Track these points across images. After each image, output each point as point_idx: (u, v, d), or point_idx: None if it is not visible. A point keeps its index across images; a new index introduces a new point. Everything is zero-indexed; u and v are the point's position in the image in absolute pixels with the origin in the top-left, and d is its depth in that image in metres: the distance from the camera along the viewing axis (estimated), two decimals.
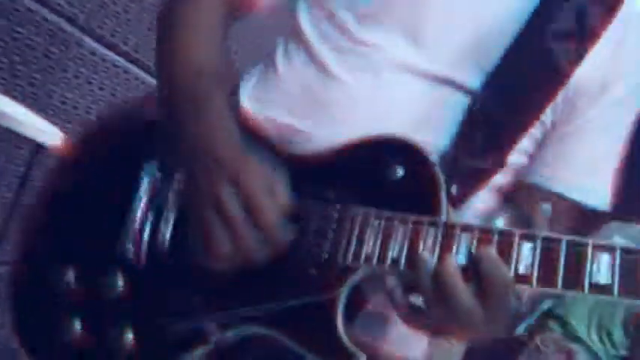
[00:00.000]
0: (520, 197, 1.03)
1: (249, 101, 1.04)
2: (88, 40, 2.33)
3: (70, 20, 2.25)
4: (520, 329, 3.48)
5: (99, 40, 2.37)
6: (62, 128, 2.16)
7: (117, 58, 2.45)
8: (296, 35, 1.06)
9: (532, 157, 1.05)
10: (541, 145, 1.04)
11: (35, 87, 2.19)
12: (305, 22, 1.05)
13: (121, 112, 1.08)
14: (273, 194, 0.82)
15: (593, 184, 1.02)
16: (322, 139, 0.95)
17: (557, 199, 1.01)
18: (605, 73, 0.98)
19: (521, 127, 0.98)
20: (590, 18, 0.96)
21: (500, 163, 0.97)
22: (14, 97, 2.11)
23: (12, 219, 2.11)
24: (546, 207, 0.86)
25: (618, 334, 3.27)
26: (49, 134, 2.05)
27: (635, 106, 1.03)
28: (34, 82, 2.19)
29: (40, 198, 1.05)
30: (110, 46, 2.41)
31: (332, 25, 1.02)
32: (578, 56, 0.95)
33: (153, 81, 2.50)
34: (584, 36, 0.96)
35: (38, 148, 2.14)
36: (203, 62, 0.92)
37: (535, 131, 1.01)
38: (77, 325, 0.90)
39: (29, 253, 1.01)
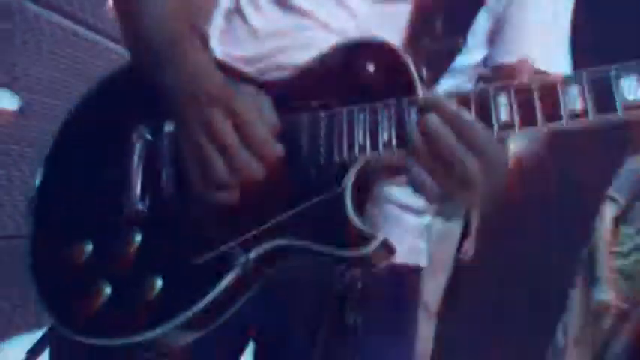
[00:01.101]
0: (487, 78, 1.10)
1: (219, 44, 1.09)
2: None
3: None
4: None
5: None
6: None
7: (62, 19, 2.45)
8: None
9: (490, 42, 1.11)
10: (493, 29, 1.11)
11: None
12: None
13: (102, 85, 1.10)
14: (262, 114, 0.87)
15: (551, 51, 1.09)
16: (291, 60, 1.00)
17: (521, 66, 1.07)
18: None
19: (471, 7, 1.05)
20: None
21: (461, 40, 1.03)
22: None
23: None
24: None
25: None
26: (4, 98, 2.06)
27: None
28: None
29: (46, 178, 1.07)
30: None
31: None
32: None
33: (101, 39, 2.54)
34: None
35: None
36: (175, 8, 0.97)
37: (484, 19, 1.08)
38: (108, 291, 0.93)
39: (42, 233, 1.03)
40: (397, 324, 1.13)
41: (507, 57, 1.10)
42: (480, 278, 4.78)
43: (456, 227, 4.65)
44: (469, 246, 4.67)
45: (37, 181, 1.07)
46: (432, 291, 4.51)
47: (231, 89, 0.90)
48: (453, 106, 0.81)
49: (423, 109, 0.83)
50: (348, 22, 1.05)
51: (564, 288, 3.96)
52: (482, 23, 1.09)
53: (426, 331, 4.55)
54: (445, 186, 0.84)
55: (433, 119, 0.80)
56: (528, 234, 4.36)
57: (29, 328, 2.26)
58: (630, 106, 0.75)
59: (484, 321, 4.76)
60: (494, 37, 1.12)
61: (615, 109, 0.75)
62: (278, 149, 0.88)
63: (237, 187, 0.88)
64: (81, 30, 2.52)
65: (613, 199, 3.64)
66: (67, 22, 2.44)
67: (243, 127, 0.86)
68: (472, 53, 1.09)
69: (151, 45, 0.96)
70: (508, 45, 1.10)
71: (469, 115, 0.80)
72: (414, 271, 1.16)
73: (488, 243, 4.65)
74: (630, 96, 0.75)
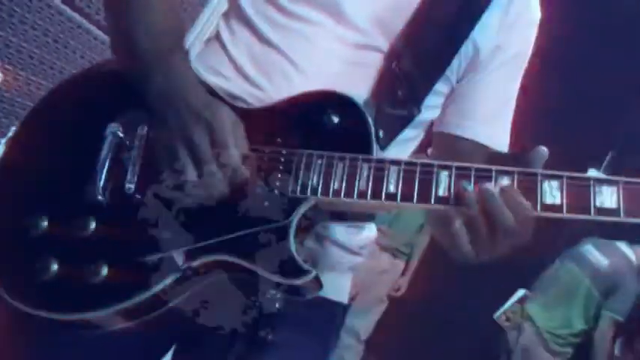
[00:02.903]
0: (436, 142, 1.22)
1: (194, 67, 1.17)
2: None
3: None
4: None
5: None
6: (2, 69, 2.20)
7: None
8: (237, 13, 1.19)
9: (443, 110, 1.23)
10: (448, 99, 1.23)
11: None
12: (245, 2, 1.18)
13: (86, 74, 1.17)
14: (237, 138, 0.96)
15: (493, 130, 1.22)
16: (266, 98, 1.09)
17: (465, 141, 1.20)
18: (496, 37, 1.18)
19: (430, 80, 1.16)
20: None
21: (416, 111, 1.14)
22: None
23: None
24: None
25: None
26: None
27: (523, 64, 1.24)
28: None
29: (11, 152, 1.12)
30: None
31: (269, 3, 1.15)
32: (472, 21, 1.14)
33: (85, 23, 2.58)
34: (474, 3, 1.15)
35: None
36: (166, 26, 1.05)
37: (442, 87, 1.20)
38: (55, 266, 0.99)
39: (3, 202, 1.08)
40: (310, 348, 1.20)
41: (457, 130, 1.23)
42: (415, 315, 4.95)
43: (400, 264, 4.80)
44: (403, 283, 4.82)
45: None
46: (364, 321, 4.63)
47: (215, 108, 0.98)
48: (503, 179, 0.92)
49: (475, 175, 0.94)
50: (321, 63, 1.12)
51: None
52: (439, 88, 1.20)
53: (352, 357, 4.65)
54: (477, 246, 0.94)
55: (492, 190, 0.92)
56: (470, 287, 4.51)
57: None
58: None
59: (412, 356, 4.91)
60: (447, 106, 1.24)
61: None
62: (245, 175, 0.97)
63: (200, 198, 0.97)
64: (77, 17, 2.58)
65: (616, 321, 3.68)
66: (63, 8, 2.50)
67: (220, 147, 0.95)
68: (429, 111, 1.20)
69: (141, 56, 1.03)
70: (457, 119, 1.23)
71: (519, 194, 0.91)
72: (335, 305, 1.25)
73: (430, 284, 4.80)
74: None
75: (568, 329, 3.77)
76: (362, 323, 4.60)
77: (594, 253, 3.82)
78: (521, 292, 4.08)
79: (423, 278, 4.85)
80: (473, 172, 0.94)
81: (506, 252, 0.95)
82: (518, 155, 1.01)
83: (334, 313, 1.26)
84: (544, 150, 0.96)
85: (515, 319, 3.96)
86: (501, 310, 4.07)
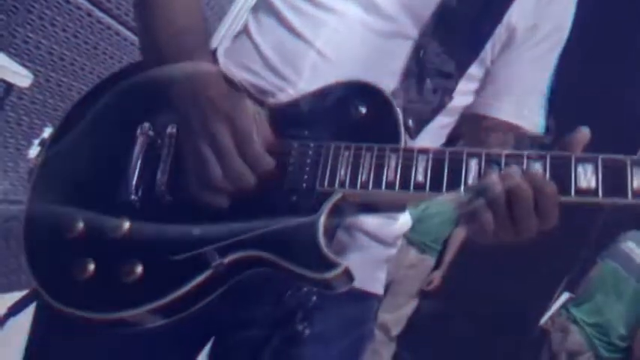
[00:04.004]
0: (467, 128, 1.20)
1: (224, 63, 1.17)
2: None
3: None
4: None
5: None
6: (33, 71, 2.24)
7: (81, 1, 2.54)
8: (265, 5, 1.19)
9: (476, 93, 1.21)
10: (482, 82, 1.20)
11: None
12: None
13: (119, 76, 1.19)
14: (259, 127, 0.97)
15: (526, 109, 1.19)
16: (294, 91, 1.09)
17: (500, 123, 1.18)
18: (532, 15, 1.14)
19: (463, 66, 1.14)
20: None
21: (448, 98, 1.13)
22: None
23: None
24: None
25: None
26: (20, 76, 2.13)
27: (560, 41, 1.21)
28: None
29: (47, 156, 1.15)
30: None
31: None
32: (506, 0, 1.11)
33: (115, 24, 2.61)
34: None
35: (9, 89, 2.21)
36: (190, 24, 1.06)
37: (477, 71, 1.17)
38: (91, 266, 1.01)
39: (39, 205, 1.11)
40: (347, 341, 1.21)
41: (489, 111, 1.21)
42: (447, 311, 4.90)
43: (428, 258, 4.77)
44: (437, 278, 4.78)
45: (36, 153, 1.15)
46: (394, 316, 4.62)
47: (234, 100, 0.99)
48: (535, 165, 0.88)
49: (505, 162, 0.90)
50: (349, 53, 1.11)
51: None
52: (473, 72, 1.18)
53: (384, 353, 4.65)
54: (500, 233, 0.91)
55: (516, 173, 0.88)
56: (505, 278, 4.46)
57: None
58: None
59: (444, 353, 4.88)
60: (481, 88, 1.22)
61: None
62: (270, 162, 0.97)
63: (228, 193, 0.97)
64: (106, 18, 2.61)
65: None
66: (92, 9, 2.53)
67: (242, 138, 0.96)
68: (462, 97, 1.18)
69: (165, 56, 1.05)
70: (492, 100, 1.21)
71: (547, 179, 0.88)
72: (370, 297, 1.25)
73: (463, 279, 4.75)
74: None
75: (617, 333, 3.67)
76: (392, 318, 4.59)
77: (637, 251, 3.70)
78: (565, 296, 4.01)
79: (460, 275, 4.80)
80: (503, 159, 0.92)
81: (530, 234, 0.90)
82: (555, 137, 0.98)
83: (371, 305, 1.26)
84: (586, 131, 0.91)
85: (560, 322, 3.88)
86: (547, 315, 4.00)
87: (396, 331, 4.69)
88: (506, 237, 0.91)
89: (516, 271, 4.31)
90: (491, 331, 4.70)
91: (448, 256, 4.82)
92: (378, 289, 1.27)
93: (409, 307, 4.73)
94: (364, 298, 1.22)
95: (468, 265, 4.52)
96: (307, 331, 1.10)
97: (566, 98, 1.27)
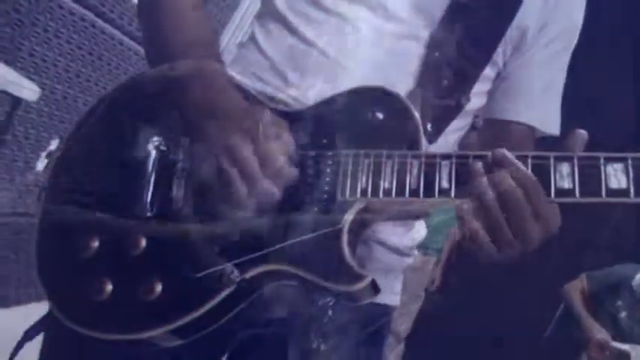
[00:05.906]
0: (482, 132, 1.17)
1: (234, 73, 1.14)
2: None
3: None
4: None
5: None
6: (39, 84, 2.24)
7: (84, 12, 2.52)
8: (272, 13, 1.17)
9: (490, 95, 1.18)
10: (495, 83, 1.17)
11: (4, 40, 2.24)
12: (280, 1, 1.16)
13: (126, 88, 1.16)
14: (280, 140, 0.93)
15: (542, 112, 1.17)
16: (305, 99, 1.06)
17: (516, 126, 1.15)
18: (542, 15, 1.12)
19: (477, 67, 1.11)
20: None
21: (465, 100, 1.10)
22: None
23: None
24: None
25: None
26: (28, 90, 2.12)
27: (572, 41, 1.18)
28: (3, 36, 2.23)
29: (58, 173, 1.11)
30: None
31: (305, 1, 1.13)
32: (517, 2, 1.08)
33: (118, 34, 2.60)
34: None
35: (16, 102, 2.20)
36: (199, 36, 1.03)
37: (489, 72, 1.14)
38: (109, 286, 0.98)
39: (51, 224, 1.07)
40: (362, 354, 1.17)
41: (504, 114, 1.18)
42: (451, 310, 4.88)
43: (431, 260, 4.74)
44: (437, 276, 4.77)
45: (44, 168, 1.11)
46: (403, 319, 4.59)
47: (253, 111, 0.96)
48: (521, 164, 0.86)
49: (492, 164, 0.87)
50: (361, 57, 1.09)
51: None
52: (486, 73, 1.15)
53: (390, 356, 4.62)
54: (498, 241, 0.87)
55: (505, 177, 0.85)
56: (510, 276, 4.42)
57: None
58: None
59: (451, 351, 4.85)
60: (495, 91, 1.19)
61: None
62: (293, 175, 0.94)
63: (252, 210, 0.94)
64: (109, 29, 2.60)
65: None
66: (85, 12, 2.51)
67: (262, 151, 0.92)
68: (476, 98, 1.15)
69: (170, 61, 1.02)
70: (507, 104, 1.18)
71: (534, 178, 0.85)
72: (388, 310, 1.22)
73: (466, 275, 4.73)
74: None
75: None
76: (401, 322, 4.56)
77: None
78: None
79: (472, 285, 4.75)
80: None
81: (534, 244, 0.87)
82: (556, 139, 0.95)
83: (387, 316, 1.24)
84: (583, 133, 0.89)
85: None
86: None
87: (404, 334, 4.67)
88: (511, 249, 0.87)
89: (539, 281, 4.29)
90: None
91: (444, 253, 4.80)
92: (393, 301, 1.24)
93: (415, 309, 4.71)
94: (381, 309, 1.20)
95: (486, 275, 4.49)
96: (323, 347, 1.07)
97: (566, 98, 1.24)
